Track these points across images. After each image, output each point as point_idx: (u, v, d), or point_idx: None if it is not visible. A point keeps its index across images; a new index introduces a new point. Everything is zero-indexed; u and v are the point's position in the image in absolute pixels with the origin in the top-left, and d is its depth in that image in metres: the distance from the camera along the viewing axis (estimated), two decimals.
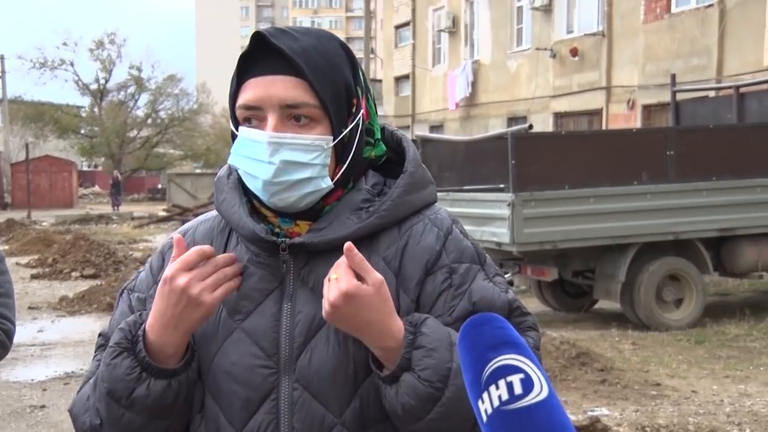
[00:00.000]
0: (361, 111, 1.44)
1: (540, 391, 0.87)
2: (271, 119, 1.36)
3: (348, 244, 1.29)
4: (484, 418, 0.86)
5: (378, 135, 1.51)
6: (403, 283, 1.40)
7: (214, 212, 1.54)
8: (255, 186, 1.39)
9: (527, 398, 0.86)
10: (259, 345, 1.39)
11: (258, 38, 1.38)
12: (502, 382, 0.87)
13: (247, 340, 1.40)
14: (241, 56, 1.40)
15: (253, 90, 1.37)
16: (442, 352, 1.29)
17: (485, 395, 0.87)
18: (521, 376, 0.87)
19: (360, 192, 1.44)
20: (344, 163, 1.42)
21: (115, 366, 1.37)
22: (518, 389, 0.86)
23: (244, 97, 1.38)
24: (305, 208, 1.41)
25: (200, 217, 1.58)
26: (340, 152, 1.41)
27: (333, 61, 1.39)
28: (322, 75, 1.37)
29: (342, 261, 1.30)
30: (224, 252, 1.46)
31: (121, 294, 1.55)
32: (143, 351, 1.36)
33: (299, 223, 1.43)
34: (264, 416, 1.38)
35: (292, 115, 1.37)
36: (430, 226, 1.45)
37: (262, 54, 1.37)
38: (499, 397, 0.86)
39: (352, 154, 1.42)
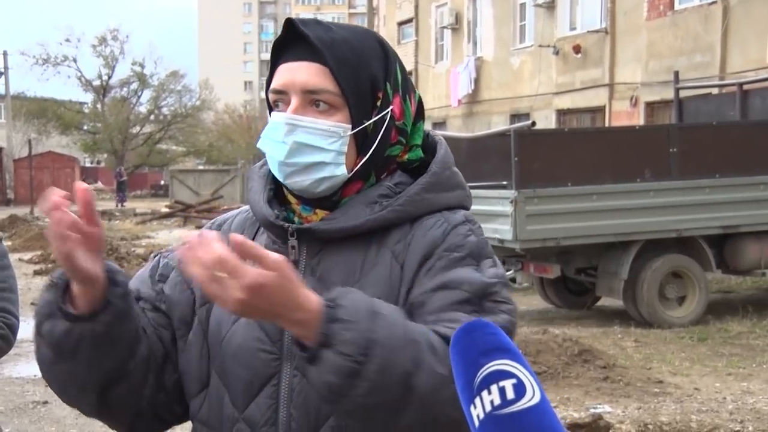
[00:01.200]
0: (390, 107, 1.45)
1: (532, 396, 0.86)
2: (294, 102, 1.41)
3: (233, 237, 1.18)
4: (476, 423, 0.87)
5: (417, 141, 1.52)
6: (405, 276, 1.41)
7: None
8: (273, 167, 1.45)
9: (519, 403, 0.86)
10: (264, 330, 1.41)
11: (289, 25, 1.44)
12: (494, 387, 0.86)
13: (254, 325, 1.41)
14: (274, 42, 1.46)
15: (282, 74, 1.43)
16: (362, 323, 1.21)
17: (477, 400, 0.87)
18: (513, 381, 0.87)
19: (381, 187, 1.46)
20: (366, 155, 1.44)
21: (42, 296, 1.39)
22: (510, 394, 0.86)
23: (274, 82, 1.44)
24: (322, 194, 1.44)
25: (243, 208, 1.62)
26: (361, 144, 1.44)
27: (361, 54, 1.43)
28: (346, 64, 1.40)
29: (227, 256, 1.17)
30: (253, 241, 1.49)
31: (154, 257, 1.60)
32: (61, 290, 1.37)
33: (318, 212, 1.46)
34: (264, 400, 1.40)
35: (314, 101, 1.41)
36: (441, 222, 1.44)
37: (294, 41, 1.43)
38: (492, 402, 0.86)
39: (374, 147, 1.44)
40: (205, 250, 1.18)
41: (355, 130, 1.42)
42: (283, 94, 1.42)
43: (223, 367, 1.44)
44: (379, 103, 1.44)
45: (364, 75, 1.42)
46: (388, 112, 1.45)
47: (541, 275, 10.31)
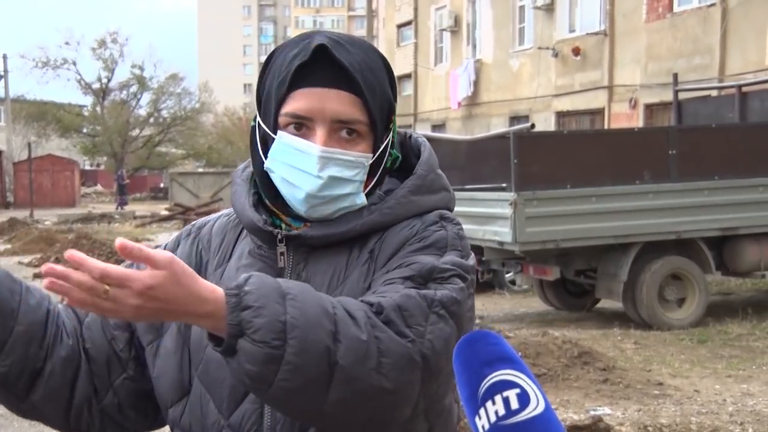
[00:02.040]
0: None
1: (536, 406, 0.86)
2: (321, 132, 1.37)
3: (119, 243, 1.13)
4: None
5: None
6: (376, 271, 1.40)
7: None
8: (295, 196, 1.40)
9: (524, 413, 0.86)
10: None
11: (319, 50, 1.37)
12: (498, 398, 0.86)
13: None
14: (298, 65, 1.37)
15: (307, 100, 1.37)
16: (271, 307, 1.18)
17: (482, 411, 0.87)
18: (517, 390, 0.87)
19: (372, 197, 1.45)
20: (375, 177, 1.44)
21: None
22: (515, 404, 0.86)
23: (294, 106, 1.37)
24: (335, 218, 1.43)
25: (223, 211, 1.60)
26: (373, 166, 1.43)
27: (380, 79, 1.42)
28: (374, 93, 1.39)
29: (109, 268, 1.14)
30: (235, 245, 1.49)
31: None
32: None
33: (308, 224, 1.44)
34: (249, 405, 1.38)
35: (339, 130, 1.38)
36: (416, 221, 1.42)
37: (319, 65, 1.37)
38: (496, 412, 0.86)
39: (382, 168, 1.45)
40: (82, 271, 1.13)
41: (374, 158, 1.42)
42: (305, 119, 1.37)
43: (207, 373, 1.42)
44: (390, 126, 1.45)
45: (385, 101, 1.42)
46: (392, 133, 1.47)
47: (540, 277, 10.31)
